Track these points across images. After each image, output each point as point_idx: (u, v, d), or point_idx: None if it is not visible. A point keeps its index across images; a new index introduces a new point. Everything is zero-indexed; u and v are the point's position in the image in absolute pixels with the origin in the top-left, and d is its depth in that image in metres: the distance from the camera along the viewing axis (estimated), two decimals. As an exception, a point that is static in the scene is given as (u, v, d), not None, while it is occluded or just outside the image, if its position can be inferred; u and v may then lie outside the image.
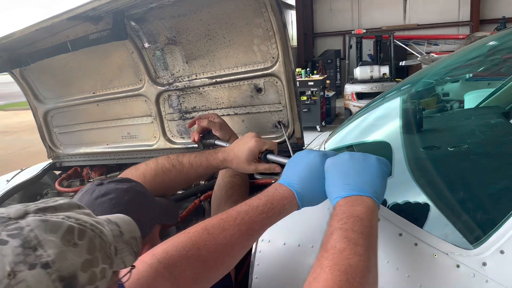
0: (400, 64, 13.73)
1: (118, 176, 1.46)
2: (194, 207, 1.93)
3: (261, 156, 1.56)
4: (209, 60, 2.11)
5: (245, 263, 1.70)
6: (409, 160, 1.59)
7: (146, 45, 2.15)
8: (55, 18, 1.77)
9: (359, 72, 12.72)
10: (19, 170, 2.83)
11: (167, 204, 1.43)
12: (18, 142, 12.28)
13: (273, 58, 1.99)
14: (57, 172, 2.87)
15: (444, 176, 1.51)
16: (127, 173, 1.56)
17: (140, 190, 1.27)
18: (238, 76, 2.11)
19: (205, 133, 1.93)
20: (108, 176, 2.66)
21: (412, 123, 1.88)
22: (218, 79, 2.15)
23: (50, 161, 2.82)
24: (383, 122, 2.05)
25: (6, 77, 2.53)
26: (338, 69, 18.33)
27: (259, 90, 2.12)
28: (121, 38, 2.00)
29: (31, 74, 2.47)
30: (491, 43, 2.43)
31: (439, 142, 1.79)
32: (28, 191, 2.66)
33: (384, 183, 1.17)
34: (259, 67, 2.05)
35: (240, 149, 1.53)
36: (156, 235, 1.31)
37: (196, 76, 2.19)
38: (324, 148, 1.89)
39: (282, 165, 1.45)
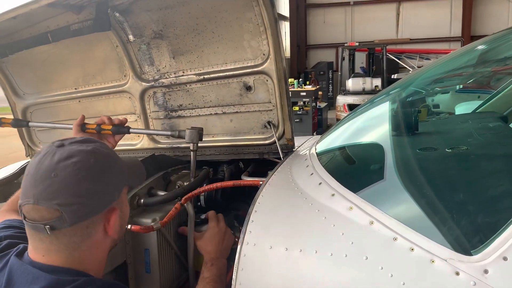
0: (392, 77, 13.83)
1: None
2: (176, 212, 1.79)
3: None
4: (197, 56, 2.03)
5: (230, 269, 1.59)
6: (404, 162, 1.51)
7: (131, 38, 2.05)
8: (33, 4, 1.67)
9: (351, 83, 12.78)
10: (-4, 169, 2.71)
11: (133, 163, 1.33)
12: (6, 146, 12.02)
13: (263, 55, 1.91)
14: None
15: (442, 178, 1.43)
16: None
17: (106, 152, 1.15)
18: (227, 73, 2.02)
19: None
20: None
21: (406, 125, 1.80)
22: (206, 76, 2.06)
23: (29, 159, 2.69)
24: (375, 124, 1.98)
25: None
26: (330, 81, 18.41)
27: (248, 88, 2.04)
28: (104, 29, 1.90)
29: (10, 67, 2.35)
30: (480, 47, 2.38)
31: (435, 144, 1.72)
32: (4, 190, 2.52)
33: None
34: (249, 64, 1.96)
35: None
36: (124, 198, 1.21)
37: (183, 72, 2.10)
38: (316, 149, 1.80)
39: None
